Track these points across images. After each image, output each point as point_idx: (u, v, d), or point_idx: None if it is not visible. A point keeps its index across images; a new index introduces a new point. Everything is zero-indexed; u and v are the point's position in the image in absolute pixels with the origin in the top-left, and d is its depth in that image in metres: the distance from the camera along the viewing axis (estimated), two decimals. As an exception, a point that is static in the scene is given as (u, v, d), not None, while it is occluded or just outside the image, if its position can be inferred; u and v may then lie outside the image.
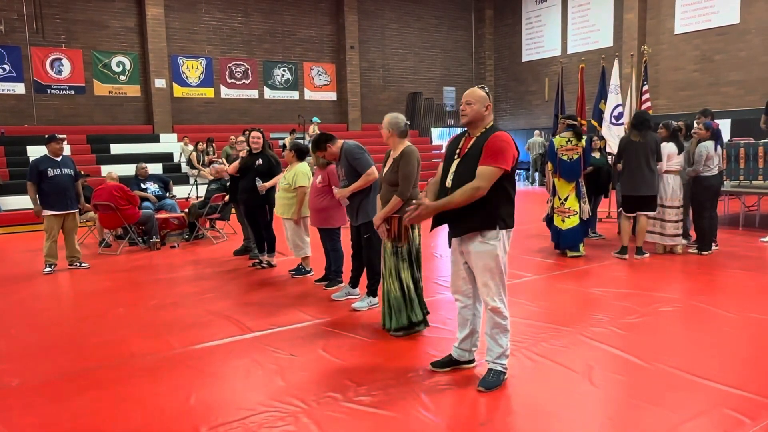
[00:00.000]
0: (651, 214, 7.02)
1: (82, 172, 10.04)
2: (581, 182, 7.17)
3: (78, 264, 7.36)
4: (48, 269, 7.14)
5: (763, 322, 4.62)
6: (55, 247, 7.17)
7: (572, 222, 7.12)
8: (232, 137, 8.37)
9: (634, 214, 7.04)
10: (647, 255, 7.05)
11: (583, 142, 7.14)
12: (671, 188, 7.05)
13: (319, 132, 5.60)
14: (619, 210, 7.60)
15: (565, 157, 7.11)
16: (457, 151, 3.51)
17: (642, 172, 6.79)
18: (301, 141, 12.84)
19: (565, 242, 7.23)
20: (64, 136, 7.31)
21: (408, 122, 4.63)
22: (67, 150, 13.68)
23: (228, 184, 8.14)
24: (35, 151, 13.52)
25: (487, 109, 3.46)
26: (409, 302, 4.46)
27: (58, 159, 7.11)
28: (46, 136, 7.19)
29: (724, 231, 8.52)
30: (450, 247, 3.67)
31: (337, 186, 5.49)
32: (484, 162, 3.30)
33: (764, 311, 4.87)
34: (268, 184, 6.72)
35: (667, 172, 7.02)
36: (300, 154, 6.51)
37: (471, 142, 3.45)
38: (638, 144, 6.80)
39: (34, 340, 4.68)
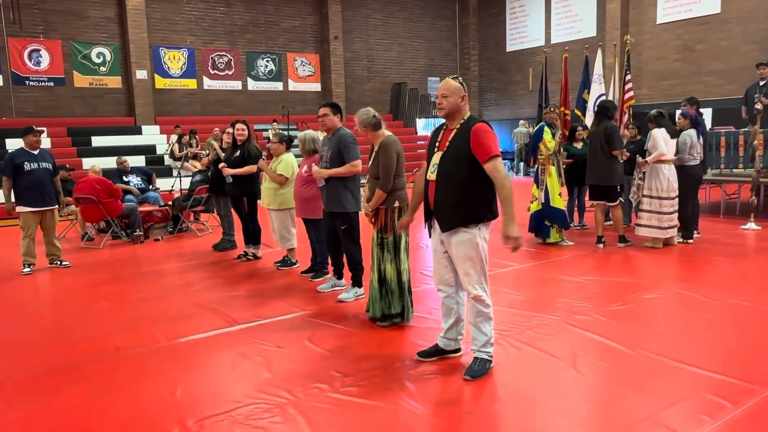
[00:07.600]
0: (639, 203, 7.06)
1: (67, 165, 9.91)
2: (542, 169, 7.32)
3: (59, 263, 7.05)
4: (27, 269, 6.77)
5: (744, 308, 4.70)
6: (33, 245, 6.79)
7: (534, 207, 7.39)
8: (216, 129, 8.35)
9: (603, 203, 7.10)
10: (630, 243, 7.11)
11: (531, 130, 7.31)
12: (666, 179, 6.80)
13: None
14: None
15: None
16: (437, 144, 3.52)
17: (594, 161, 7.02)
18: (284, 132, 12.79)
19: (530, 225, 7.49)
20: (43, 129, 6.91)
21: (376, 113, 4.62)
22: (47, 143, 13.70)
23: (210, 175, 8.09)
24: (14, 144, 13.23)
25: (463, 100, 3.46)
26: (386, 294, 4.47)
27: (35, 152, 6.78)
28: (24, 127, 6.87)
29: (705, 219, 8.62)
30: (430, 237, 3.68)
31: None
32: (484, 158, 3.32)
33: (745, 297, 4.95)
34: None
35: (661, 161, 6.79)
36: (287, 143, 6.55)
37: (451, 135, 3.46)
38: (593, 134, 7.08)
39: (17, 336, 4.63)
